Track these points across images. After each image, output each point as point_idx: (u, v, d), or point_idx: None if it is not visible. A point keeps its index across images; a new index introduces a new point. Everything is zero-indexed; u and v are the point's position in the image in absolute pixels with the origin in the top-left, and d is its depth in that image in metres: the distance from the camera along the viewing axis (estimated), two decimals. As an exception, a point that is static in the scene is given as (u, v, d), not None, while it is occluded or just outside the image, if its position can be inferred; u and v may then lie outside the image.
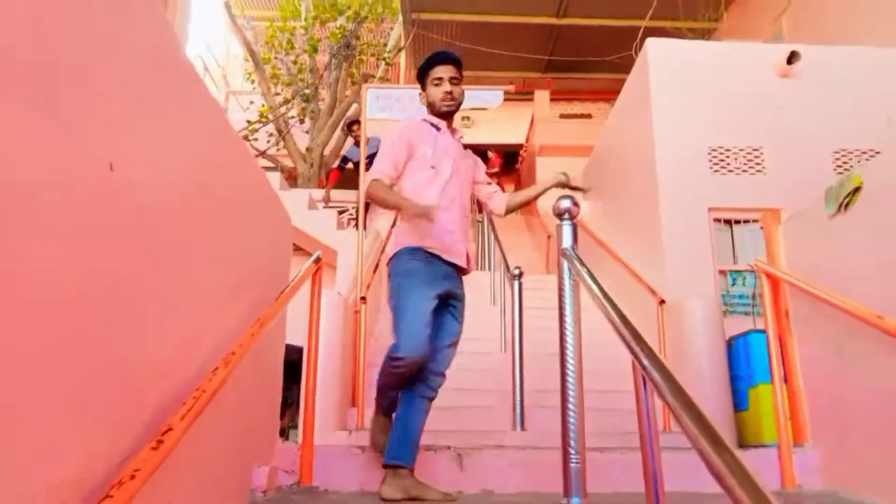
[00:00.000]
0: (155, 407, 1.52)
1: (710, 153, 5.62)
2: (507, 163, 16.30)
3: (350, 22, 10.72)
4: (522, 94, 13.48)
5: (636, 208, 6.13)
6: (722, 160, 5.62)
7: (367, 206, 7.50)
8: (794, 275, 2.61)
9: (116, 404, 1.37)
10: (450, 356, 2.78)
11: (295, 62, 10.92)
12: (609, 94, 14.08)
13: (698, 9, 10.71)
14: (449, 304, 2.75)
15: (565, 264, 2.23)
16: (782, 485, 2.79)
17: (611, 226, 6.91)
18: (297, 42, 10.98)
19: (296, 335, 3.16)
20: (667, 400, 1.29)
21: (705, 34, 11.17)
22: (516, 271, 4.70)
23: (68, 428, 1.18)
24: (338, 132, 10.48)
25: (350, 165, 8.52)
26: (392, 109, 5.30)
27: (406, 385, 2.69)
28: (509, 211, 3.00)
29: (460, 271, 2.79)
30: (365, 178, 2.85)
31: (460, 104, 2.84)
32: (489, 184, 3.02)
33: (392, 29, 12.20)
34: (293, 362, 3.46)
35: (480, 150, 15.16)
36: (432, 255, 2.66)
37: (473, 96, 5.49)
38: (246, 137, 9.79)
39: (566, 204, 2.30)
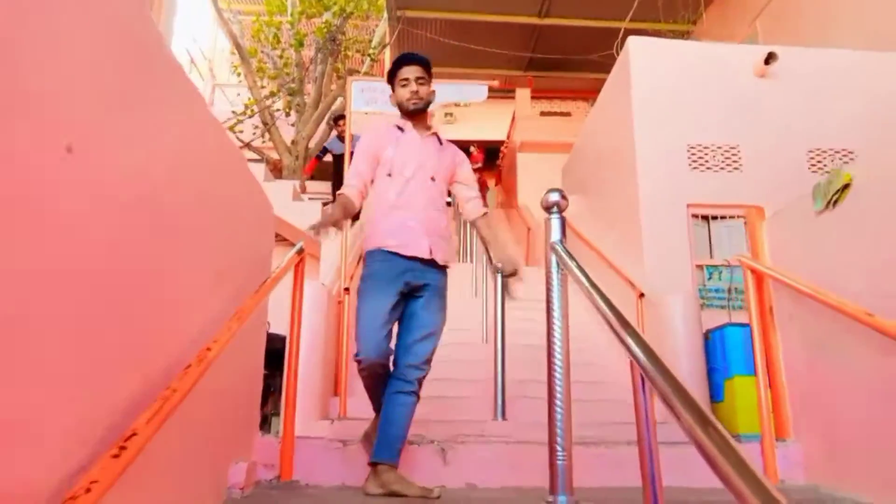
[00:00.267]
0: (120, 407, 1.39)
1: (689, 150, 5.73)
2: (489, 158, 16.38)
3: (336, 18, 10.72)
4: (504, 92, 13.57)
5: (616, 204, 6.23)
6: (700, 158, 5.73)
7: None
8: (778, 270, 2.68)
9: (75, 405, 1.23)
10: (426, 349, 2.76)
11: (281, 56, 10.91)
12: (588, 92, 14.23)
13: (677, 10, 10.88)
14: (418, 297, 2.77)
15: (553, 258, 2.28)
16: (764, 479, 2.83)
17: (590, 221, 7.01)
18: (283, 36, 10.96)
19: (281, 324, 3.17)
20: (667, 399, 1.31)
21: (683, 35, 11.35)
22: (499, 265, 4.76)
23: (15, 432, 1.04)
24: (323, 125, 10.49)
25: (329, 157, 8.56)
26: (377, 103, 5.33)
27: (384, 384, 2.74)
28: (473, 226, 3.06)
29: (428, 263, 2.79)
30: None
31: (429, 103, 2.90)
32: (470, 188, 3.04)
33: (377, 25, 12.23)
34: (277, 351, 3.48)
35: (463, 146, 15.23)
36: (390, 252, 2.72)
37: (458, 91, 5.56)
38: (232, 129, 9.76)
39: (555, 197, 2.34)
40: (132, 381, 1.48)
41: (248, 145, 10.08)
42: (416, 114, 2.90)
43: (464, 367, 5.04)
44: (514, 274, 2.98)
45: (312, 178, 9.18)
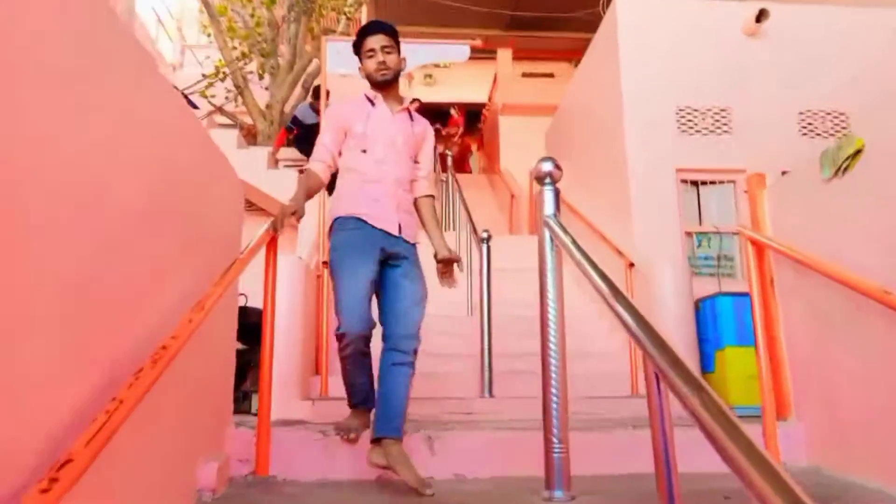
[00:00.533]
0: (62, 422, 1.20)
1: (677, 113, 5.55)
2: (470, 121, 16.08)
3: (309, -27, 10.25)
4: (485, 53, 13.21)
5: (603, 169, 6.05)
6: (689, 120, 5.55)
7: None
8: (781, 242, 2.53)
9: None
10: (415, 317, 2.66)
11: (252, 15, 10.44)
12: (572, 53, 13.92)
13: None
14: (395, 266, 2.69)
15: (547, 233, 2.10)
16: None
17: (575, 186, 6.83)
18: (254, -7, 10.47)
19: (258, 297, 2.98)
20: (678, 391, 1.17)
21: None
22: (484, 234, 4.59)
23: None
24: (298, 89, 10.11)
25: (295, 132, 8.22)
26: (354, 64, 5.02)
27: (365, 370, 2.64)
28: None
29: (398, 237, 2.71)
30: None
31: (398, 72, 2.81)
32: (423, 167, 2.93)
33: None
34: (254, 325, 3.30)
35: (443, 109, 14.90)
36: (362, 220, 2.65)
37: (440, 51, 5.29)
38: (203, 93, 9.36)
39: (548, 166, 2.15)
40: (76, 389, 1.29)
41: (220, 109, 9.70)
42: (386, 85, 2.79)
43: (448, 341, 4.89)
44: (450, 261, 2.82)
45: (287, 145, 8.84)
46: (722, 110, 5.58)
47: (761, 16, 5.56)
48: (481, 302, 4.39)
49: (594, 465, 2.56)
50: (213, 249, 2.20)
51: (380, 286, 2.69)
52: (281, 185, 6.84)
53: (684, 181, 5.50)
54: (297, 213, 2.55)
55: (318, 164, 2.75)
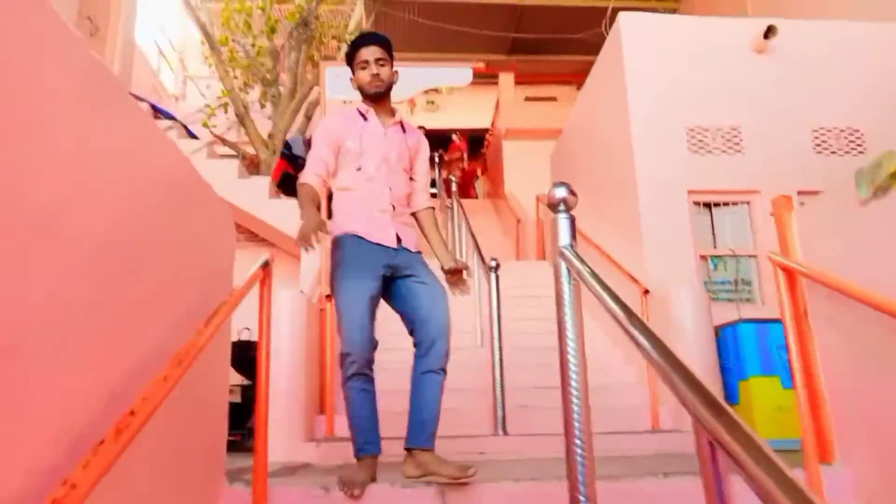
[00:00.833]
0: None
1: (688, 133, 5.40)
2: (474, 147, 16.00)
3: (308, 1, 10.23)
4: (487, 78, 13.16)
5: (611, 192, 5.89)
6: (700, 140, 5.40)
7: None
8: (815, 268, 2.35)
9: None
10: (440, 318, 2.56)
11: (253, 45, 10.40)
12: (574, 76, 13.87)
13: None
14: (406, 277, 2.63)
15: (563, 266, 1.92)
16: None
17: (583, 211, 6.65)
18: (254, 23, 10.45)
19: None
20: (746, 469, 0.97)
21: (669, 12, 11.01)
22: (492, 263, 4.42)
23: None
24: (300, 117, 10.04)
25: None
26: (354, 90, 4.91)
27: (372, 403, 2.54)
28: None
29: (400, 249, 2.66)
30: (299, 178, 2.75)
31: (391, 85, 2.77)
32: (419, 180, 2.88)
33: (353, 10, 11.75)
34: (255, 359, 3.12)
35: (445, 134, 14.82)
36: (359, 237, 2.61)
37: (442, 75, 5.17)
38: (205, 123, 9.28)
39: (561, 192, 1.97)
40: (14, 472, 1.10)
41: (222, 139, 9.61)
42: (378, 98, 2.75)
43: (458, 374, 4.66)
44: (458, 270, 2.75)
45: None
46: (733, 129, 5.43)
47: (769, 32, 5.44)
48: (492, 334, 4.21)
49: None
50: (199, 288, 2.02)
51: (396, 299, 2.65)
52: (283, 214, 6.71)
53: (696, 203, 5.33)
54: (322, 226, 2.49)
55: (313, 177, 2.69)
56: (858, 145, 5.41)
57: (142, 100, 7.20)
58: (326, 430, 3.99)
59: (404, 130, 2.83)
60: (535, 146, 12.30)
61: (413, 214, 2.84)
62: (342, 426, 4.09)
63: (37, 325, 1.16)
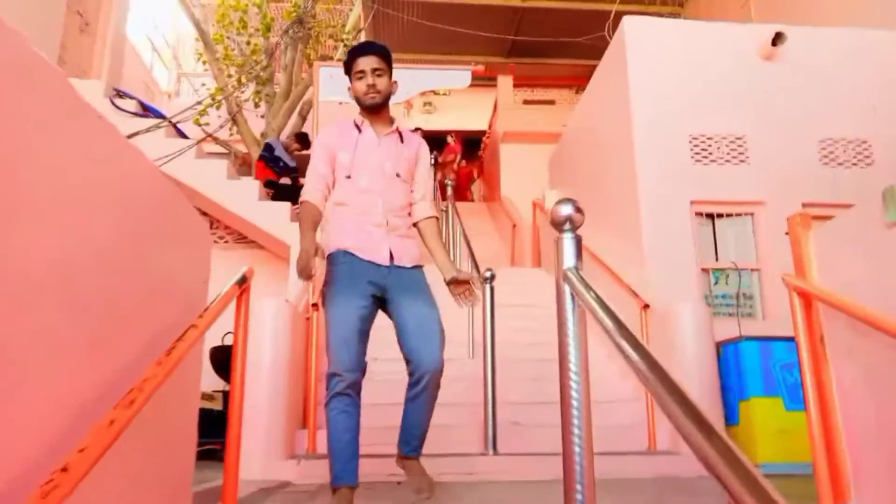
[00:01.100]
0: None
1: (691, 142, 5.24)
2: (470, 149, 15.84)
3: (307, 1, 10.06)
4: (485, 80, 13.02)
5: (611, 200, 5.72)
6: (704, 149, 5.24)
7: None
8: (833, 293, 2.18)
9: None
10: (428, 336, 2.51)
11: (248, 43, 10.22)
12: (573, 80, 13.74)
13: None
14: (398, 297, 2.56)
15: (567, 290, 1.75)
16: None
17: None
18: (250, 21, 10.27)
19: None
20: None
21: (673, 17, 10.88)
22: (487, 273, 4.24)
23: None
24: (294, 117, 9.86)
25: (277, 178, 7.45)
26: (351, 99, 4.73)
27: (354, 423, 2.45)
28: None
29: (393, 267, 2.59)
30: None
31: (388, 96, 2.70)
32: (419, 189, 2.79)
33: (351, 9, 11.58)
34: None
35: (441, 136, 14.66)
36: (351, 254, 2.57)
37: (441, 77, 5.00)
38: (196, 121, 9.10)
39: (567, 210, 1.79)
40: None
41: (213, 137, 9.41)
42: (374, 109, 2.68)
43: (447, 388, 4.48)
44: (459, 280, 2.64)
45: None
46: (738, 139, 5.27)
47: (777, 39, 5.28)
48: (484, 346, 4.03)
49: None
50: (165, 308, 1.85)
51: (392, 320, 2.60)
52: (272, 216, 6.52)
53: (699, 214, 5.17)
54: (318, 252, 2.51)
55: (315, 193, 2.64)
56: (866, 157, 5.26)
57: (130, 97, 7.01)
58: (308, 447, 3.81)
59: (402, 140, 2.74)
60: (532, 150, 12.16)
61: (415, 225, 2.76)
62: (325, 442, 3.92)
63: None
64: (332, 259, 2.60)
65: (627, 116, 5.29)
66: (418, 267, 2.66)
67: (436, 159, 12.82)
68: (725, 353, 4.19)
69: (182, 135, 7.10)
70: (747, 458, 0.91)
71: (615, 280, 4.94)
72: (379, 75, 2.62)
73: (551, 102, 13.50)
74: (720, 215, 5.22)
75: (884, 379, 2.09)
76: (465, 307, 2.74)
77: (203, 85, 11.16)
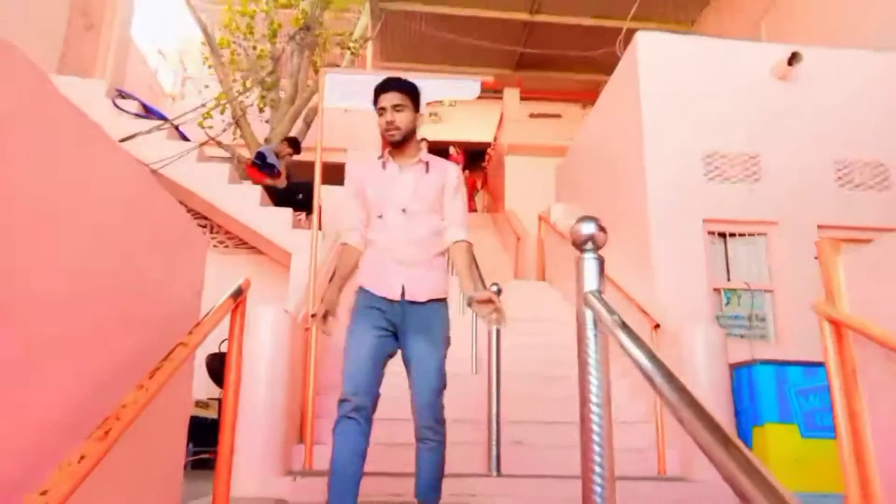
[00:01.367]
0: None
1: (704, 159, 5.13)
2: (475, 160, 15.77)
3: (313, 7, 9.98)
4: (492, 92, 12.95)
5: (621, 217, 5.60)
6: (717, 168, 5.13)
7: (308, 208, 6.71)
8: (868, 324, 2.05)
9: None
10: (426, 386, 2.50)
11: (254, 48, 10.14)
12: (580, 94, 13.67)
13: (673, 10, 10.36)
14: (408, 332, 2.55)
15: (589, 314, 1.62)
16: None
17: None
18: (256, 28, 10.19)
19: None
20: None
21: (683, 34, 10.81)
22: (494, 288, 4.11)
23: None
24: (300, 123, 9.76)
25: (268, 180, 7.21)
26: (354, 98, 4.62)
27: (357, 452, 2.40)
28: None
29: (406, 302, 2.56)
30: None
31: (409, 130, 2.66)
32: (449, 216, 2.73)
33: (359, 17, 11.50)
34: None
35: (443, 147, 14.58)
36: (367, 290, 2.63)
37: (450, 87, 4.89)
38: (200, 124, 8.99)
39: (589, 228, 1.67)
40: None
41: (217, 141, 9.31)
42: (397, 144, 2.67)
43: (450, 404, 4.35)
44: (481, 301, 2.52)
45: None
46: (752, 157, 5.16)
47: (794, 58, 5.19)
48: (489, 363, 3.90)
49: None
50: (152, 322, 1.71)
51: (405, 363, 2.60)
52: (274, 222, 6.40)
53: (711, 233, 5.05)
54: (330, 312, 2.57)
55: (353, 234, 2.71)
56: (883, 179, 5.15)
57: (132, 97, 6.91)
58: (305, 463, 3.66)
59: (428, 169, 2.69)
60: (537, 163, 12.08)
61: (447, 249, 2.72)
62: (323, 458, 3.77)
63: None
64: (357, 294, 2.66)
65: (639, 132, 5.19)
66: (436, 301, 2.59)
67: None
68: (738, 377, 4.06)
69: (184, 137, 6.99)
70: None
71: (625, 298, 4.81)
72: (398, 110, 2.61)
73: (557, 116, 13.42)
74: (732, 235, 5.10)
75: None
76: (493, 327, 2.68)
77: (207, 87, 11.07)
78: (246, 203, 6.35)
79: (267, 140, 9.41)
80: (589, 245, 1.70)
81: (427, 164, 2.70)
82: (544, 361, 5.18)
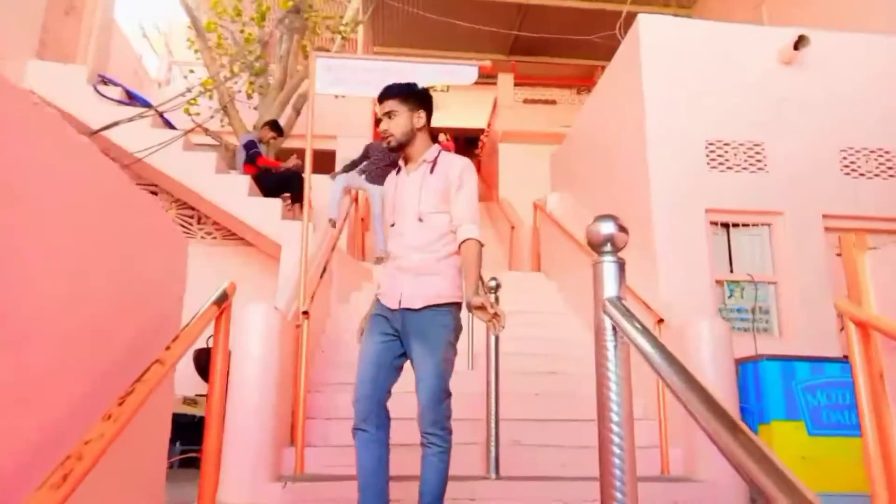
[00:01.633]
0: None
1: (707, 147, 4.98)
2: (466, 148, 15.57)
3: (303, -11, 9.72)
4: (485, 77, 12.74)
5: (620, 206, 5.45)
6: (720, 156, 4.98)
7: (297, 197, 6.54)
8: (894, 324, 1.93)
9: None
10: (426, 392, 2.43)
11: (242, 31, 9.88)
12: (576, 80, 13.49)
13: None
14: (409, 339, 2.54)
15: (608, 322, 1.48)
16: None
17: (584, 223, 6.24)
18: (244, 10, 9.92)
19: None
20: None
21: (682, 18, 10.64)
22: (492, 283, 3.96)
23: None
24: (289, 110, 9.54)
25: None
26: (345, 84, 4.43)
27: (378, 461, 2.45)
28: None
29: (407, 309, 2.55)
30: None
31: (406, 133, 2.65)
32: (456, 211, 2.65)
33: (350, 1, 11.24)
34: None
35: (433, 133, 14.39)
36: (377, 299, 2.71)
37: (445, 72, 4.71)
38: (186, 111, 8.77)
39: (608, 228, 1.52)
40: None
41: (203, 128, 9.08)
42: (396, 150, 2.70)
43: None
44: (479, 307, 2.47)
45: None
46: (756, 145, 5.01)
47: (800, 43, 5.03)
48: (488, 361, 3.75)
49: None
50: (127, 330, 1.55)
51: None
52: (263, 212, 6.21)
53: (714, 223, 4.91)
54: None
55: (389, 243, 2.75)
56: (889, 168, 5.01)
57: (115, 84, 6.68)
58: (296, 467, 3.51)
59: (433, 170, 2.64)
60: (532, 150, 11.91)
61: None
62: (315, 461, 3.63)
63: None
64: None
65: (640, 118, 5.03)
66: (434, 307, 2.51)
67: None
68: (744, 373, 3.93)
69: (169, 125, 6.77)
70: None
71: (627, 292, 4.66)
72: (392, 117, 2.63)
73: (553, 102, 13.23)
74: (735, 225, 4.96)
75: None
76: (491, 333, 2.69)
77: (192, 71, 10.79)
78: (234, 192, 6.16)
79: (255, 127, 9.19)
80: (608, 247, 1.55)
81: (433, 163, 2.63)
82: (543, 355, 5.04)
